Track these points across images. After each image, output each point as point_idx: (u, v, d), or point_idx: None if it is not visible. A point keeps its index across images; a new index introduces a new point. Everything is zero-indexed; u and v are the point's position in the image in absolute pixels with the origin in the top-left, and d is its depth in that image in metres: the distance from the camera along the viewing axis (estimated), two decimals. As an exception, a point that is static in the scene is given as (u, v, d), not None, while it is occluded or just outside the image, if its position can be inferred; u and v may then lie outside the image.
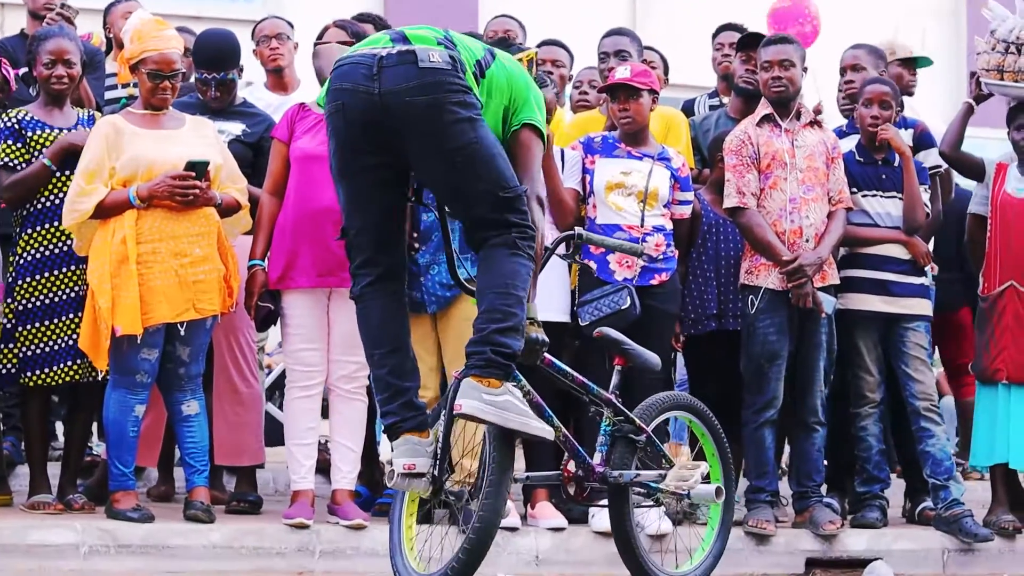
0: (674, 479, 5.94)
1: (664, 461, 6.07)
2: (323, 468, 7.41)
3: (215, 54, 7.44)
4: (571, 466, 5.91)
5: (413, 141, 5.34)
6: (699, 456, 6.33)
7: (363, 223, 5.48)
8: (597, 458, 5.92)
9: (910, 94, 8.62)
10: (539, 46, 8.02)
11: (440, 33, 5.47)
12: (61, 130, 7.03)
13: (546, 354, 5.69)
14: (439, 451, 5.42)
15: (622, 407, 5.96)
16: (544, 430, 5.40)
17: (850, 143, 7.78)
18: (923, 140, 8.00)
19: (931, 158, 7.93)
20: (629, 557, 5.96)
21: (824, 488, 7.71)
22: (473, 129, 5.32)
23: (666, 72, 8.63)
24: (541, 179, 5.68)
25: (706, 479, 6.06)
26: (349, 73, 5.36)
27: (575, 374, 5.88)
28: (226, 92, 7.45)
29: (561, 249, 5.93)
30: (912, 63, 8.62)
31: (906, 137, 7.88)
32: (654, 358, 6.12)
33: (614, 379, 6.03)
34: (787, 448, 8.10)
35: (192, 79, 7.59)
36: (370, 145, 5.38)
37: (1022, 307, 7.63)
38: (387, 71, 5.29)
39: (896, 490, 8.07)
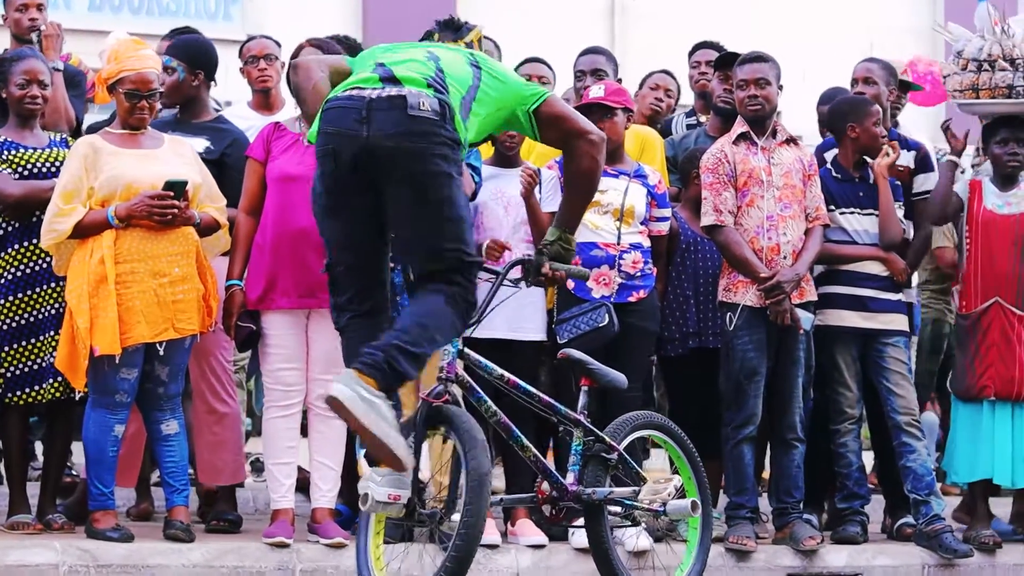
0: (648, 493, 5.96)
1: (638, 478, 6.06)
2: (303, 487, 7.41)
3: (183, 45, 7.47)
4: (544, 486, 5.92)
5: (390, 184, 5.38)
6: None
7: (350, 262, 5.54)
8: (570, 477, 5.93)
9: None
10: (522, 64, 8.01)
11: (430, 71, 5.46)
12: (35, 150, 7.03)
13: (510, 375, 5.70)
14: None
15: (591, 427, 5.98)
16: (403, 452, 5.22)
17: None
18: (924, 164, 8.01)
19: (929, 182, 7.94)
20: (608, 574, 5.96)
21: (802, 504, 7.72)
22: (449, 186, 5.35)
23: (677, 98, 8.68)
24: (588, 122, 5.73)
25: (682, 494, 6.08)
26: (339, 119, 5.39)
27: (540, 395, 5.90)
28: (179, 88, 7.36)
29: (514, 273, 5.85)
30: (906, 86, 8.62)
31: (908, 158, 7.91)
32: (620, 377, 6.13)
33: (581, 399, 6.05)
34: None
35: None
36: (357, 187, 5.43)
37: (1008, 324, 7.67)
38: (376, 114, 5.34)
39: (876, 506, 8.08)
